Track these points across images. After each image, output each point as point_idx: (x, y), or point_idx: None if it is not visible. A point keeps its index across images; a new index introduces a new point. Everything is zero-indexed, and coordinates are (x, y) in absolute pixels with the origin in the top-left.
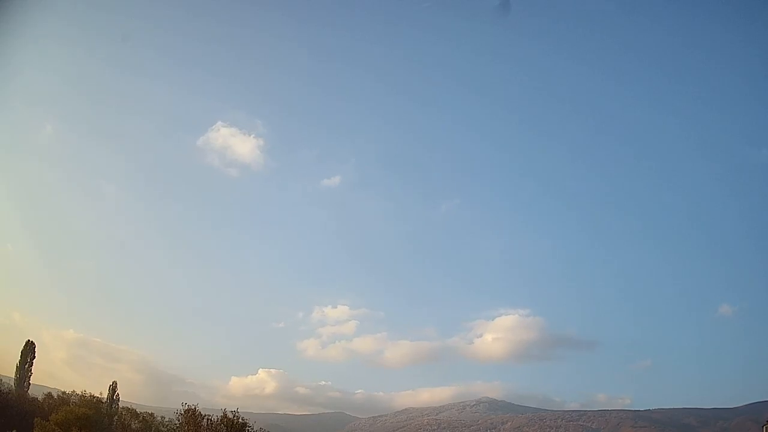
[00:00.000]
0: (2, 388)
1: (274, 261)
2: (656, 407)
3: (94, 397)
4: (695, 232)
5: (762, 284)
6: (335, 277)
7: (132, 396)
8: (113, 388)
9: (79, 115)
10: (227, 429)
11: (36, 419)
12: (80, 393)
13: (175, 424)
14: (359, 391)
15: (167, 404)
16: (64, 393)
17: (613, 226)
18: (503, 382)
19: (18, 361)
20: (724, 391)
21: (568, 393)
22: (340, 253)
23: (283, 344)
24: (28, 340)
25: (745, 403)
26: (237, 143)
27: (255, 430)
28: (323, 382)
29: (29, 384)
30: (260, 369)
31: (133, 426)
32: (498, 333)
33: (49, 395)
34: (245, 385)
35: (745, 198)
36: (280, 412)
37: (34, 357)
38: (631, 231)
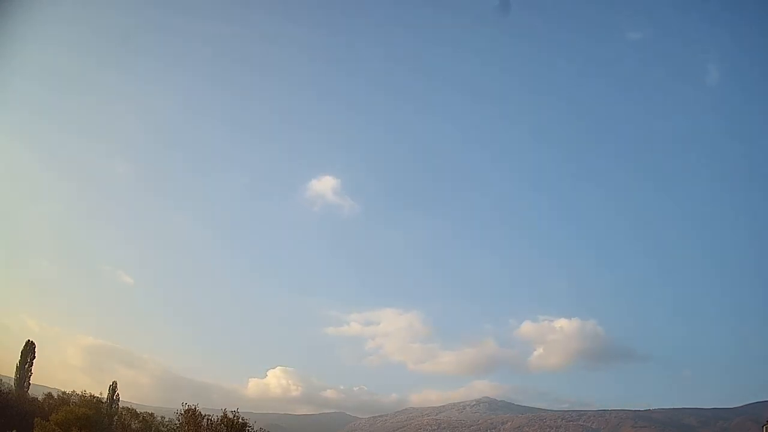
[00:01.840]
0: (2, 388)
1: (341, 278)
2: (656, 407)
3: (94, 397)
4: (694, 233)
5: (761, 282)
6: (401, 291)
7: (145, 399)
8: (113, 388)
9: (159, 160)
10: (227, 429)
11: (36, 419)
12: (80, 393)
13: (175, 424)
14: (393, 394)
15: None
16: (64, 393)
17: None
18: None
19: (18, 361)
20: (724, 391)
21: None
22: (406, 272)
23: (328, 351)
24: (28, 340)
25: (745, 403)
26: (338, 200)
27: (255, 430)
28: (356, 387)
29: (29, 384)
30: (277, 369)
31: (133, 426)
32: (550, 343)
33: (49, 395)
34: (261, 387)
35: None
36: (281, 413)
37: (34, 357)
38: (622, 229)
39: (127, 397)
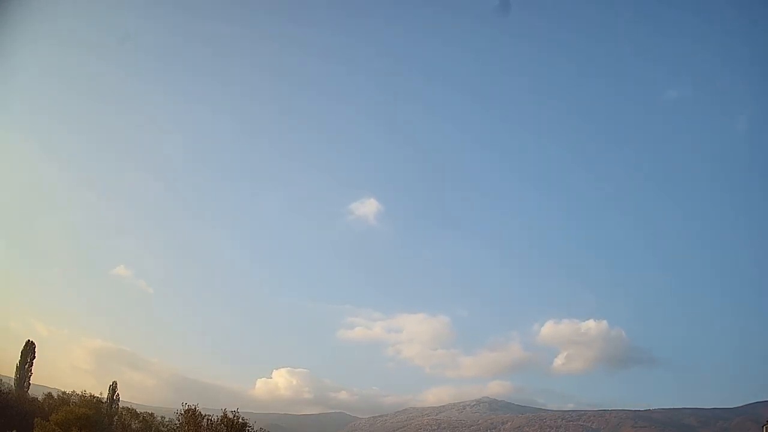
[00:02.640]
0: (2, 388)
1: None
2: (656, 407)
3: (94, 397)
4: (694, 232)
5: (759, 281)
6: (427, 298)
7: (153, 400)
8: (113, 388)
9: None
10: (227, 429)
11: (36, 419)
12: (80, 393)
13: (175, 424)
14: (408, 395)
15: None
16: (64, 393)
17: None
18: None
19: (18, 361)
20: (724, 391)
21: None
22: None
23: (348, 355)
24: (28, 340)
25: (745, 403)
26: (370, 216)
27: (255, 430)
28: (371, 390)
29: (29, 384)
30: (283, 370)
31: (133, 426)
32: (571, 346)
33: (49, 395)
34: (271, 387)
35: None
36: (281, 413)
37: (34, 357)
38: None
39: (134, 399)
